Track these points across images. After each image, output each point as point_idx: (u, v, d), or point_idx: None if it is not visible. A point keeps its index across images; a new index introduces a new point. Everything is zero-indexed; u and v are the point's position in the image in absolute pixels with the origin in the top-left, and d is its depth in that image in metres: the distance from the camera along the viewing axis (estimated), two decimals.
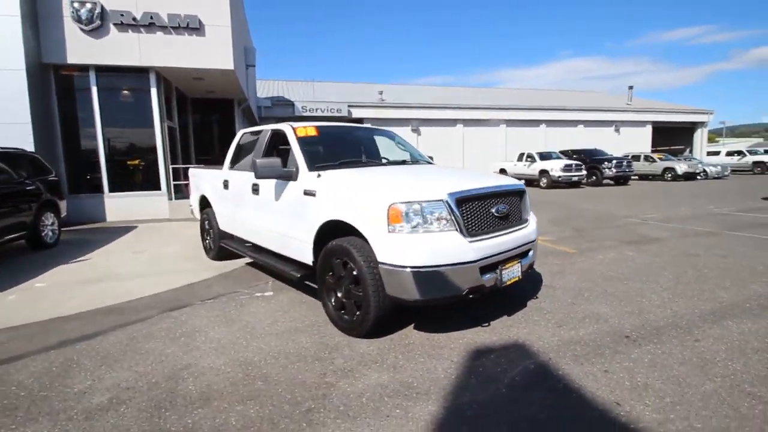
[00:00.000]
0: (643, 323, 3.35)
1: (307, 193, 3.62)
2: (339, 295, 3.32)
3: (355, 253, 3.05)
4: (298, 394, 2.45)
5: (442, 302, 2.96)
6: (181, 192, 10.84)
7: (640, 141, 25.55)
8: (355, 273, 3.09)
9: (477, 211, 3.13)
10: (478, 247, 2.96)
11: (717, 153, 26.33)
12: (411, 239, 2.84)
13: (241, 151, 5.19)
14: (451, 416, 2.21)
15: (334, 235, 3.33)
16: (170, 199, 10.39)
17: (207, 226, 5.98)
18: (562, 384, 2.49)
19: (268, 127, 4.63)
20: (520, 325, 3.33)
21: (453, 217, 2.93)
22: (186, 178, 8.85)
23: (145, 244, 7.16)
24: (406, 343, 3.07)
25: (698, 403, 2.28)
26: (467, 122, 22.59)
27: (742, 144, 37.12)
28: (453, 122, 22.47)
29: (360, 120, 20.90)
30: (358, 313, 3.15)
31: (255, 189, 4.42)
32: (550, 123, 23.75)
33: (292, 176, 3.81)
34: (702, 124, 26.93)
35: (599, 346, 2.96)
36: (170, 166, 10.38)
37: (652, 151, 23.75)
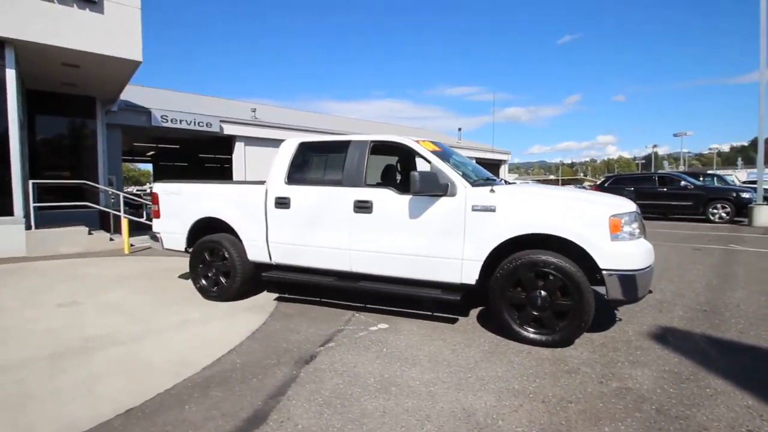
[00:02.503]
0: None
1: (478, 209, 3.47)
2: (533, 312, 3.31)
3: (566, 265, 3.17)
4: None
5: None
6: (49, 220, 7.67)
7: None
8: (560, 283, 3.19)
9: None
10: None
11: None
12: (632, 245, 3.18)
13: (301, 165, 4.36)
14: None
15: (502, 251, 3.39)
16: (28, 228, 7.24)
17: (210, 259, 4.65)
18: None
19: (360, 138, 4.11)
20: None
21: (641, 226, 3.42)
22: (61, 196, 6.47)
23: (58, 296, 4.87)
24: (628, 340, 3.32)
25: None
26: None
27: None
28: None
29: (232, 137, 18.96)
30: (562, 324, 3.24)
31: (362, 207, 3.86)
32: None
33: (447, 192, 3.56)
34: (505, 161, 35.16)
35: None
36: (30, 181, 7.28)
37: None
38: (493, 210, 3.43)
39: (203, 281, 4.75)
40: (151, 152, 27.33)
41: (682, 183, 13.45)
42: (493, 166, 35.01)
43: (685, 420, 2.31)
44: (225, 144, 20.90)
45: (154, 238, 5.14)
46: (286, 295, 4.65)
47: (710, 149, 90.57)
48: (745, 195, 12.52)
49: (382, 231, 3.83)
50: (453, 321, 3.94)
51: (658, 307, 4.34)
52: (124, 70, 8.30)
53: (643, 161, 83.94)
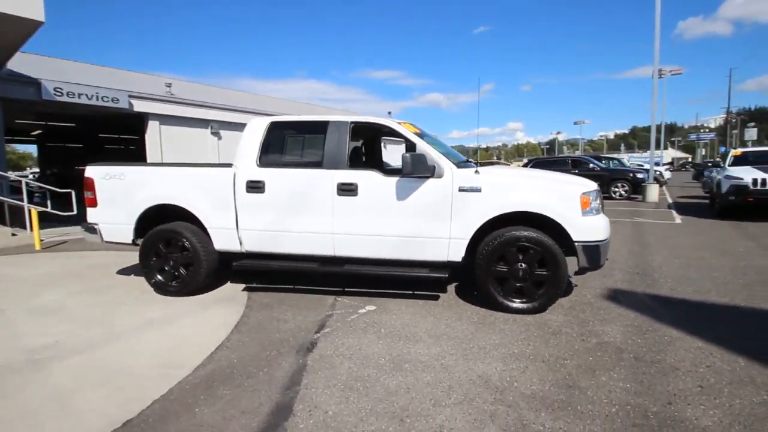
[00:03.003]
0: None
1: (465, 189, 3.60)
2: (516, 284, 3.58)
3: (545, 239, 3.48)
4: None
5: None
6: None
7: (394, 152, 32.11)
8: (539, 256, 3.50)
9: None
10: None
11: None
12: (598, 219, 3.57)
13: (274, 146, 4.09)
14: None
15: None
16: None
17: (166, 251, 4.21)
18: None
19: (339, 119, 3.97)
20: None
21: (601, 202, 3.85)
22: None
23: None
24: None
25: None
26: None
27: None
28: None
29: (144, 114, 16.92)
30: (540, 292, 3.56)
31: (346, 189, 3.78)
32: None
33: (433, 173, 3.63)
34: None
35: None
36: None
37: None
38: (479, 190, 3.60)
39: (158, 276, 4.27)
40: (37, 131, 23.27)
41: (591, 165, 15.28)
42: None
43: (659, 363, 2.73)
44: (134, 123, 18.57)
45: (91, 230, 4.46)
46: (255, 285, 4.41)
47: (600, 136, 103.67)
48: (640, 176, 14.67)
49: (368, 213, 3.79)
50: (435, 298, 4.09)
51: (600, 273, 4.96)
52: (19, 31, 6.87)
53: (547, 146, 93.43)
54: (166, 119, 17.53)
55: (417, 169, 3.54)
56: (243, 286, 4.51)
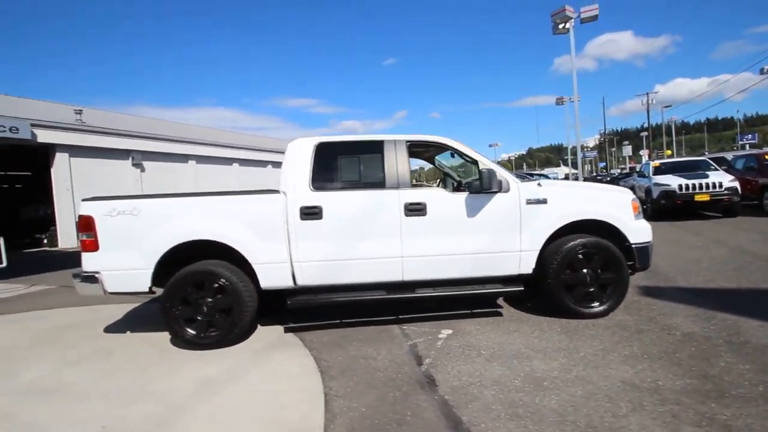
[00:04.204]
0: None
1: (532, 201, 3.69)
2: (585, 290, 3.71)
3: (609, 244, 3.71)
4: None
5: None
6: None
7: None
8: (602, 261, 3.71)
9: None
10: None
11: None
12: (645, 222, 3.90)
13: (325, 168, 3.77)
14: None
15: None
16: None
17: (196, 296, 3.60)
18: None
19: (393, 137, 3.82)
20: None
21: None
22: None
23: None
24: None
25: None
26: (201, 159, 20.34)
27: None
28: (184, 157, 19.59)
29: (49, 146, 14.52)
30: (607, 294, 3.75)
31: (415, 209, 3.63)
32: (276, 164, 25.49)
33: (501, 188, 3.66)
34: None
35: None
36: None
37: None
38: (545, 202, 3.71)
39: (189, 328, 3.58)
40: None
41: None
42: None
43: (750, 344, 3.02)
44: (32, 157, 15.78)
45: (90, 279, 3.59)
46: (291, 324, 3.96)
47: (502, 158, 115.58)
48: None
49: (438, 233, 3.66)
50: (497, 314, 4.06)
51: None
52: None
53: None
54: (77, 150, 15.27)
55: (493, 185, 3.54)
56: (281, 328, 4.00)
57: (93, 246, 3.59)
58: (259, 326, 4.07)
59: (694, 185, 9.32)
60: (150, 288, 3.63)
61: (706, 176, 9.49)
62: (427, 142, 3.94)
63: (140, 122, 20.30)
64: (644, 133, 46.43)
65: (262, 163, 24.62)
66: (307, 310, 4.04)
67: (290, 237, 3.59)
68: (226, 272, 3.58)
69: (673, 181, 9.55)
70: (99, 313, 4.96)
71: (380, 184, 3.70)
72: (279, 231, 3.60)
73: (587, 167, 68.21)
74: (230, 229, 3.58)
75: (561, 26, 18.18)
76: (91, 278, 3.60)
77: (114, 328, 4.39)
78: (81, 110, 16.47)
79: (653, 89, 45.95)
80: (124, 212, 3.58)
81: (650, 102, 40.32)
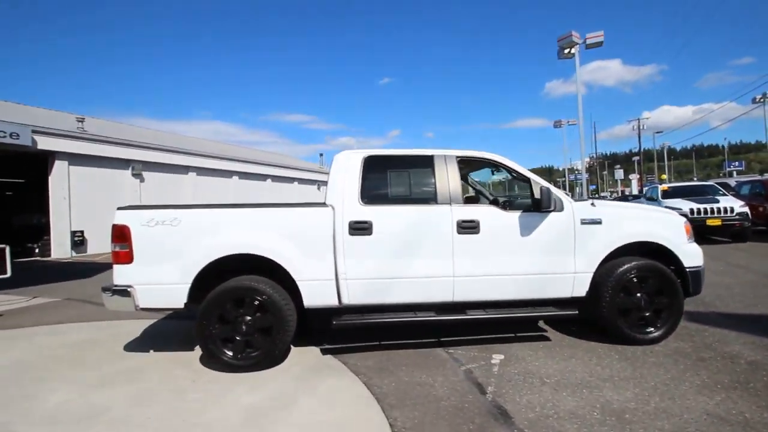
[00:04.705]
0: None
1: (587, 222, 3.59)
2: (640, 314, 3.58)
3: (664, 268, 3.61)
4: None
5: None
6: None
7: None
8: (657, 285, 3.60)
9: None
10: None
11: None
12: (696, 246, 3.81)
13: (374, 182, 3.64)
14: None
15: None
16: None
17: (235, 314, 3.39)
18: None
19: (442, 152, 3.72)
20: None
21: None
22: None
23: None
24: None
25: None
26: (200, 170, 20.07)
27: None
28: (185, 169, 19.31)
29: (49, 153, 14.18)
30: (661, 320, 3.62)
31: (468, 227, 3.50)
32: (275, 178, 25.24)
33: (555, 207, 3.56)
34: None
35: None
36: None
37: None
38: (600, 222, 3.62)
39: (226, 349, 3.34)
40: None
41: None
42: None
43: None
44: (29, 163, 15.37)
45: (121, 293, 3.36)
46: (327, 346, 3.76)
47: (493, 179, 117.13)
48: None
49: (491, 252, 3.53)
50: (544, 339, 3.90)
51: None
52: None
53: None
54: (76, 159, 14.93)
55: (551, 203, 3.45)
56: (315, 349, 3.79)
57: (127, 258, 3.37)
58: (292, 347, 3.85)
59: (705, 209, 9.40)
60: (186, 304, 3.41)
61: (717, 201, 9.58)
62: (477, 158, 3.84)
63: (141, 132, 20.06)
64: (636, 158, 47.52)
65: (262, 177, 24.38)
66: (348, 331, 3.84)
67: (338, 253, 3.42)
68: (269, 289, 3.38)
69: (684, 205, 9.62)
70: (114, 330, 4.68)
71: (432, 199, 3.58)
72: (326, 246, 3.43)
73: (577, 189, 69.37)
74: (275, 243, 3.40)
75: (566, 51, 18.70)
76: (124, 292, 3.36)
77: (135, 346, 4.11)
78: (83, 119, 16.24)
79: (641, 115, 47.32)
80: (163, 222, 3.38)
81: (642, 128, 41.40)
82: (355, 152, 3.70)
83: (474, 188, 5.10)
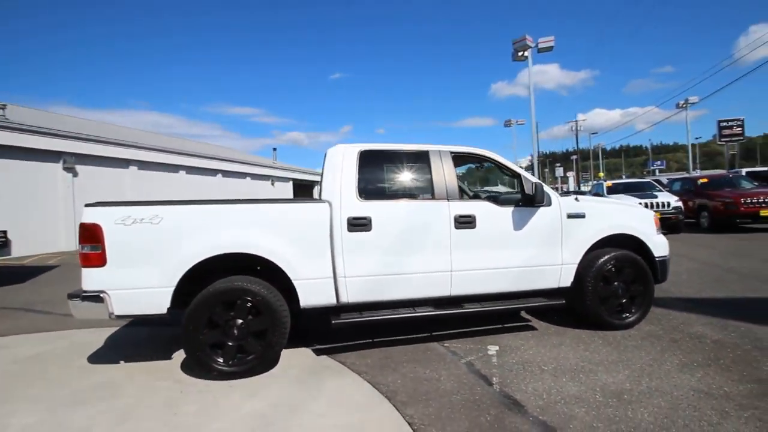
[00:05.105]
0: None
1: (573, 215, 3.77)
2: (617, 301, 3.85)
3: (639, 258, 3.90)
4: None
5: None
6: None
7: (287, 194, 30.75)
8: (633, 274, 3.89)
9: None
10: None
11: None
12: (663, 237, 4.16)
13: (370, 177, 3.56)
14: None
15: None
16: None
17: (226, 318, 3.19)
18: None
19: (437, 147, 3.73)
20: None
21: None
22: None
23: None
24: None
25: None
26: (143, 164, 18.55)
27: None
28: (125, 162, 17.73)
29: None
30: (635, 307, 3.92)
31: (465, 222, 3.54)
32: (226, 173, 23.95)
33: (544, 201, 3.70)
34: (318, 182, 36.20)
35: None
36: None
37: None
38: (583, 216, 3.82)
39: (215, 356, 3.12)
40: None
41: None
42: (308, 186, 35.58)
43: (765, 348, 3.32)
44: None
45: (94, 299, 3.00)
46: (319, 346, 3.68)
47: None
48: None
49: (486, 246, 3.60)
50: (529, 328, 4.07)
51: None
52: None
53: None
54: None
55: (544, 198, 3.58)
56: (307, 350, 3.66)
57: (99, 260, 3.01)
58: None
59: (647, 204, 10.31)
60: (168, 309, 3.12)
61: (656, 196, 10.58)
62: (470, 154, 3.89)
63: (74, 122, 18.17)
64: (574, 157, 51.14)
65: (212, 172, 23.11)
66: (342, 330, 3.74)
67: (336, 249, 3.31)
68: (263, 290, 3.19)
69: (631, 200, 10.49)
70: (69, 340, 4.20)
71: (429, 194, 3.58)
72: (324, 243, 3.30)
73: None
74: (270, 241, 3.22)
75: (520, 54, 19.69)
76: (96, 298, 3.01)
77: (101, 357, 3.71)
78: (5, 105, 14.34)
79: (576, 117, 50.96)
80: (141, 220, 3.06)
81: (578, 128, 44.63)
82: (350, 146, 3.59)
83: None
